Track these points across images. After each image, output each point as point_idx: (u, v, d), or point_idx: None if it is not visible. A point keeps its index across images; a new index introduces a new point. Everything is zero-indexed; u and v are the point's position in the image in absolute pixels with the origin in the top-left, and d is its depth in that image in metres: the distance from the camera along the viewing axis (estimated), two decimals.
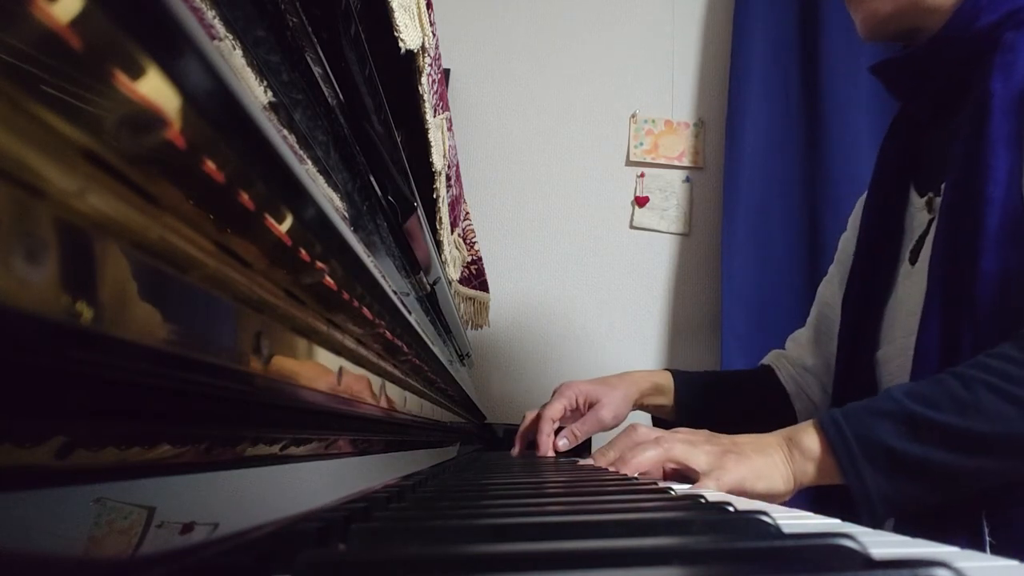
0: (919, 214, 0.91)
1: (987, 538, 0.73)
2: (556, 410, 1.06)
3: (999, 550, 0.72)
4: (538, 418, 1.07)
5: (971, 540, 0.72)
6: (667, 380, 1.12)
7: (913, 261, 0.89)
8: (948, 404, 0.67)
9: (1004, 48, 0.78)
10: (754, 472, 0.73)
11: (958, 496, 0.72)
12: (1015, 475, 0.69)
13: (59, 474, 0.16)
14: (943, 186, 0.85)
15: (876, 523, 0.72)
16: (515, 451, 1.14)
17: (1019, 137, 0.75)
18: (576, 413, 1.08)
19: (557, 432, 1.07)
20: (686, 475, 0.75)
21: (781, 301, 1.77)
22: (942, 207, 0.83)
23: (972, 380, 0.67)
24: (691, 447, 0.74)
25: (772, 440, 0.76)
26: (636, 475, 0.72)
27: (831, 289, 1.10)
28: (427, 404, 0.66)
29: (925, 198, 0.91)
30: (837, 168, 1.77)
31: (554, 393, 1.10)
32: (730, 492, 0.71)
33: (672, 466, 0.74)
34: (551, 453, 1.05)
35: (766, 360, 1.17)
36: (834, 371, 1.00)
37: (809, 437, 0.73)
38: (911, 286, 0.88)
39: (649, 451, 0.74)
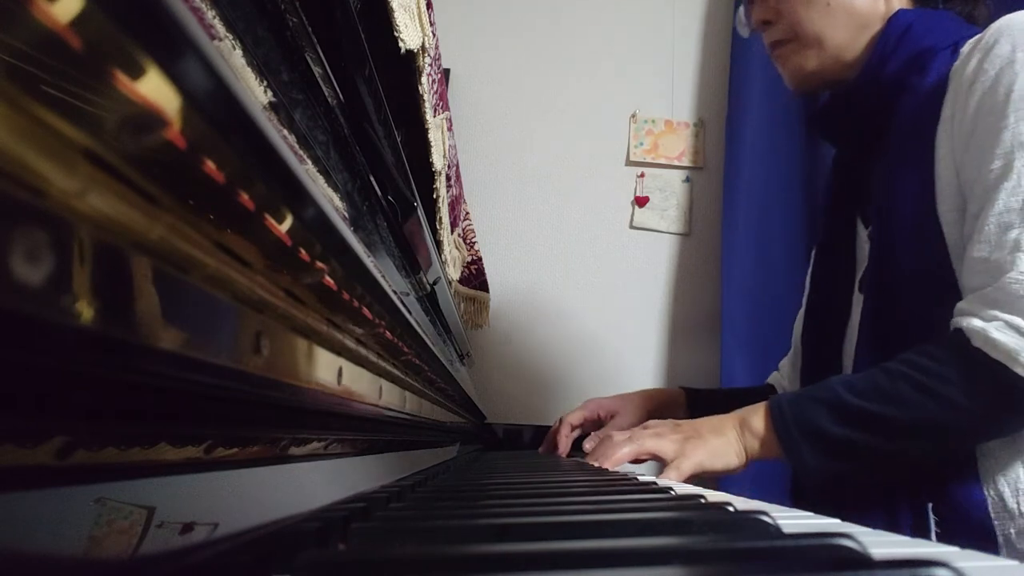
0: (865, 246, 0.98)
1: (932, 516, 0.81)
2: (576, 417, 1.20)
3: (944, 527, 0.80)
4: (560, 422, 1.21)
5: (915, 519, 0.81)
6: (680, 396, 1.24)
7: (862, 289, 0.96)
8: (873, 394, 0.79)
9: (909, 90, 0.88)
10: (711, 453, 0.86)
11: (881, 474, 0.85)
12: (923, 456, 0.80)
13: (59, 474, 0.16)
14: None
15: (812, 494, 0.90)
16: (541, 449, 1.27)
17: (925, 155, 0.84)
18: (597, 424, 1.20)
19: (581, 439, 1.20)
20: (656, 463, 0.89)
21: (781, 301, 1.76)
22: (871, 237, 0.92)
23: (895, 373, 0.78)
24: (659, 439, 0.88)
25: (728, 421, 0.89)
26: (617, 468, 0.87)
27: (800, 321, 1.18)
28: (427, 404, 0.66)
29: (868, 230, 0.97)
30: None
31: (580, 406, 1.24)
32: (692, 474, 0.86)
33: (645, 457, 0.89)
34: (565, 454, 1.20)
35: (770, 379, 1.27)
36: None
37: (757, 419, 0.87)
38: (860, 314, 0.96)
39: (625, 447, 0.88)
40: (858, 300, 0.97)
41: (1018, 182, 0.75)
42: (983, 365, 0.73)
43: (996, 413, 0.76)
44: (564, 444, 1.18)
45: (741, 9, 1.05)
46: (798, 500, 0.98)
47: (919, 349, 0.79)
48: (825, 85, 0.99)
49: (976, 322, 0.74)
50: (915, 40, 0.89)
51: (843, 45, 0.93)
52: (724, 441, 0.87)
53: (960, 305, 0.77)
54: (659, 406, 1.21)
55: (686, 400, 1.23)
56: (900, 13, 0.91)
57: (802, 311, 1.18)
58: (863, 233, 0.99)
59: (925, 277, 0.83)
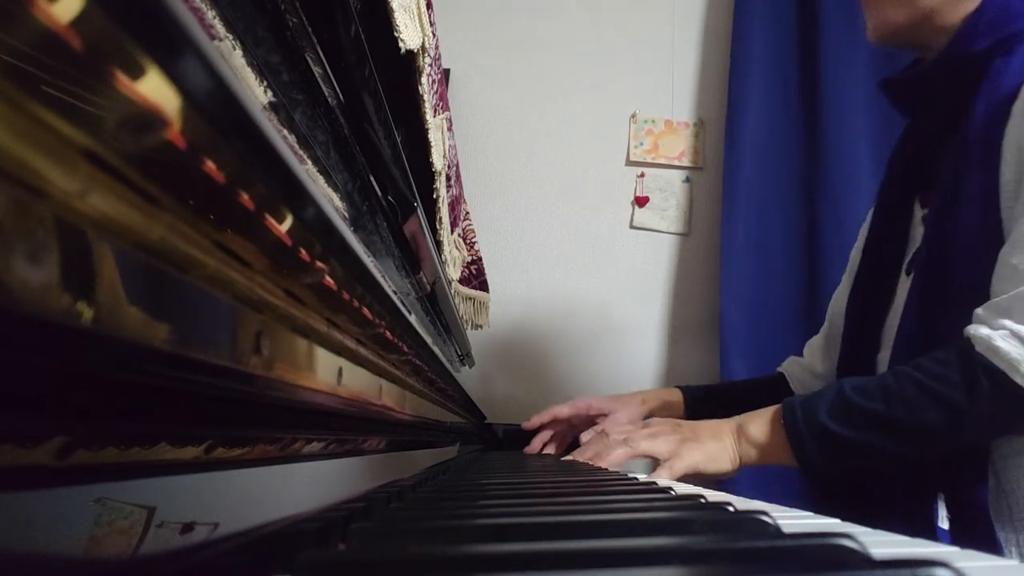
0: (919, 227, 0.95)
1: (940, 513, 0.83)
2: (562, 410, 1.20)
3: (956, 527, 0.81)
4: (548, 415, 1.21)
5: (927, 517, 0.83)
6: (676, 396, 1.22)
7: (909, 272, 0.94)
8: (879, 395, 0.80)
9: (991, 75, 0.84)
10: (707, 457, 0.88)
11: (878, 469, 0.88)
12: (928, 455, 0.82)
13: (59, 474, 0.16)
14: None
15: (815, 486, 0.93)
16: (529, 427, 1.28)
17: (991, 160, 0.81)
18: (586, 420, 1.19)
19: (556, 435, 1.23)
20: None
21: (781, 301, 1.76)
22: (927, 222, 0.90)
23: (904, 376, 0.79)
24: (654, 439, 0.89)
25: (726, 427, 0.90)
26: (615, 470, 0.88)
27: (841, 298, 1.13)
28: (427, 404, 0.66)
29: (924, 211, 0.95)
30: (836, 168, 1.77)
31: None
32: (685, 475, 0.87)
33: (640, 459, 0.90)
34: (537, 438, 1.23)
35: (781, 367, 1.23)
36: (836, 373, 1.03)
37: (756, 426, 0.88)
38: (906, 294, 0.93)
39: (619, 449, 0.89)
40: (903, 281, 0.95)
41: None
42: (985, 371, 0.73)
43: (996, 419, 0.76)
44: (535, 423, 1.21)
45: None
46: (821, 502, 0.97)
47: (930, 355, 0.79)
48: (907, 45, 0.94)
49: (983, 329, 0.74)
50: (1010, 21, 0.84)
51: (939, 8, 0.87)
52: (721, 446, 0.88)
53: (977, 311, 0.76)
54: (654, 409, 1.19)
55: (684, 401, 1.21)
56: None
57: (840, 288, 1.14)
58: (918, 214, 0.96)
59: (977, 272, 0.80)
